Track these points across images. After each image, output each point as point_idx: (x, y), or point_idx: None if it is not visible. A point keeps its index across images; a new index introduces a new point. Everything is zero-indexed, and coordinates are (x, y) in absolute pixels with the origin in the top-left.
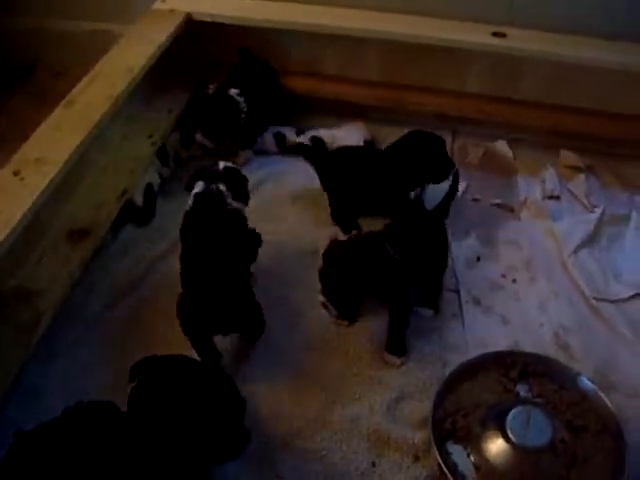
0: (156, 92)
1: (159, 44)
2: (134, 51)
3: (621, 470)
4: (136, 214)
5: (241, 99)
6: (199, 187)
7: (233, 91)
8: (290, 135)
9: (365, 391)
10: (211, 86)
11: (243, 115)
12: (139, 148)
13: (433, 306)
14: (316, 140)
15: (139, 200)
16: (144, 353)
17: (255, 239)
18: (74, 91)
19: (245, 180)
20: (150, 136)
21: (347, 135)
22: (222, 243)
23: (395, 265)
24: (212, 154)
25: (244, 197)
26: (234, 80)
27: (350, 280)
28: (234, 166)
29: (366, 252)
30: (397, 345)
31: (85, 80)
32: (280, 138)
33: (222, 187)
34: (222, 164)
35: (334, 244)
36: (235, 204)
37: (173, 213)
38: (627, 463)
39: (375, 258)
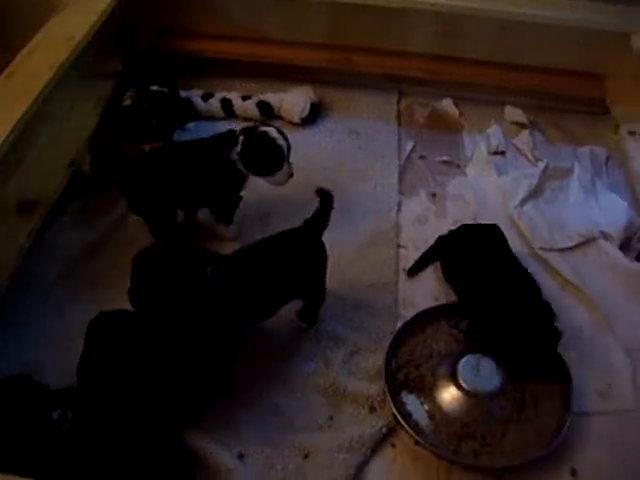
0: (102, 61)
1: (101, 11)
2: (75, 19)
3: (568, 409)
4: (85, 183)
5: (165, 89)
6: (239, 128)
7: (155, 88)
8: (236, 100)
9: (320, 347)
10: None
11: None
12: (86, 118)
13: (309, 321)
14: (263, 104)
15: (87, 169)
16: None
17: (231, 198)
18: (14, 62)
19: (266, 154)
20: (96, 106)
21: (294, 98)
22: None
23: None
24: None
25: (250, 164)
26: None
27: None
28: (273, 137)
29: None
30: (225, 385)
31: (25, 50)
32: (226, 103)
33: (241, 140)
34: (267, 128)
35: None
36: (235, 158)
37: None
38: (573, 402)
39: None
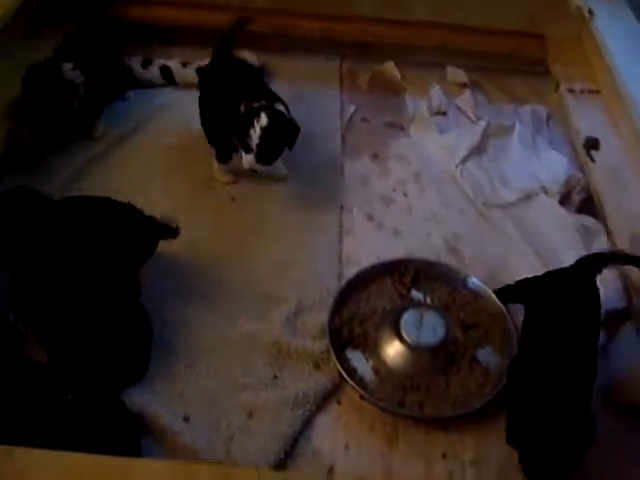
0: (36, 32)
1: None
2: None
3: (510, 355)
4: (23, 153)
5: (77, 73)
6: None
7: (67, 66)
8: (176, 67)
9: (263, 308)
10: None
11: (82, 90)
12: (18, 88)
13: None
14: (202, 71)
15: (25, 138)
16: None
17: None
18: None
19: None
20: None
21: None
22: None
23: None
24: None
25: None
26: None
27: None
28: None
29: None
30: None
31: None
32: (166, 70)
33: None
34: (262, 114)
35: None
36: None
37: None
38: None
39: None
